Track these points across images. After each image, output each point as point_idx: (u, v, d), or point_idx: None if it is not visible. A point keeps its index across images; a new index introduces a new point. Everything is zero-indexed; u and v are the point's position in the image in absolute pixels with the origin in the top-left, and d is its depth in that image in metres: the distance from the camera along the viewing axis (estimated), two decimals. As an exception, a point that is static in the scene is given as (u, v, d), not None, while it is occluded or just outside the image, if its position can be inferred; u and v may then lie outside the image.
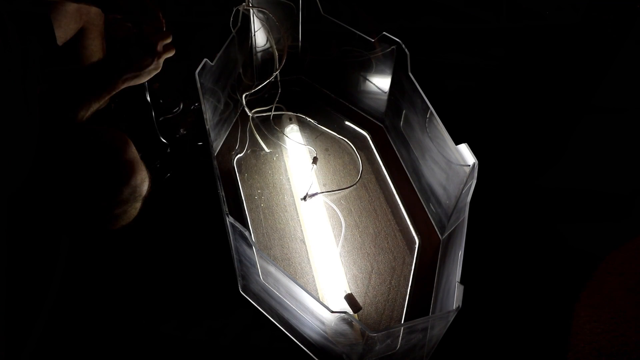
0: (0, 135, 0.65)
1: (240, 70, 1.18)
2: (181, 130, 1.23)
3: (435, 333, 0.73)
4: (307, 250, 0.97)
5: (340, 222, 1.02)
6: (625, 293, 0.97)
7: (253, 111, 1.24)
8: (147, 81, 0.97)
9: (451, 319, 0.69)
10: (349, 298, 0.87)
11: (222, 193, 0.82)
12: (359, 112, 1.27)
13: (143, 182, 0.80)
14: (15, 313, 0.85)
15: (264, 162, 1.15)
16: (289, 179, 1.11)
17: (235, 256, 0.85)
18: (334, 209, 1.04)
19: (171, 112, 1.23)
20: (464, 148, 0.84)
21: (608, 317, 0.93)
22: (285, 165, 1.14)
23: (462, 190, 0.85)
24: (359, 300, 0.89)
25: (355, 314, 0.86)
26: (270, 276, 0.78)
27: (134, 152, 0.80)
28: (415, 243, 1.00)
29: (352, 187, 1.09)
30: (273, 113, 1.24)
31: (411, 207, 1.06)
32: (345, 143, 1.19)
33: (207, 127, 0.96)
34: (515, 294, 0.97)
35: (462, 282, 0.70)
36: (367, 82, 1.18)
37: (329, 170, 1.13)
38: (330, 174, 1.12)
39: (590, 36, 1.63)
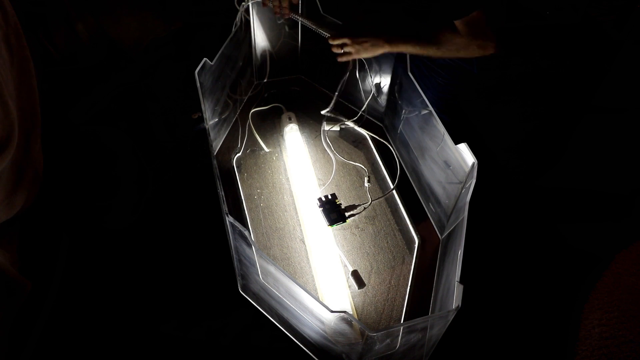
0: None
1: (240, 70, 1.18)
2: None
3: (435, 332, 0.73)
4: (306, 249, 0.97)
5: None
6: (636, 296, 0.94)
7: (252, 111, 1.24)
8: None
9: (451, 318, 0.69)
10: (355, 274, 0.91)
11: (221, 193, 0.82)
12: (359, 111, 1.27)
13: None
14: (15, 313, 0.85)
15: (264, 162, 1.15)
16: (288, 178, 1.11)
17: (234, 256, 0.85)
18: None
19: (194, 129, 1.25)
20: (463, 148, 0.84)
21: (617, 321, 0.90)
22: (284, 165, 1.14)
23: (462, 189, 0.85)
24: (360, 298, 0.90)
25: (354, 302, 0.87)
26: (269, 276, 0.78)
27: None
28: (415, 242, 1.00)
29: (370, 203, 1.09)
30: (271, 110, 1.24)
31: (411, 206, 1.06)
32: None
33: (206, 126, 0.96)
34: (515, 294, 0.97)
35: (461, 281, 0.70)
36: (366, 81, 1.18)
37: (329, 170, 1.13)
38: (328, 171, 1.12)
39: (590, 36, 1.63)
